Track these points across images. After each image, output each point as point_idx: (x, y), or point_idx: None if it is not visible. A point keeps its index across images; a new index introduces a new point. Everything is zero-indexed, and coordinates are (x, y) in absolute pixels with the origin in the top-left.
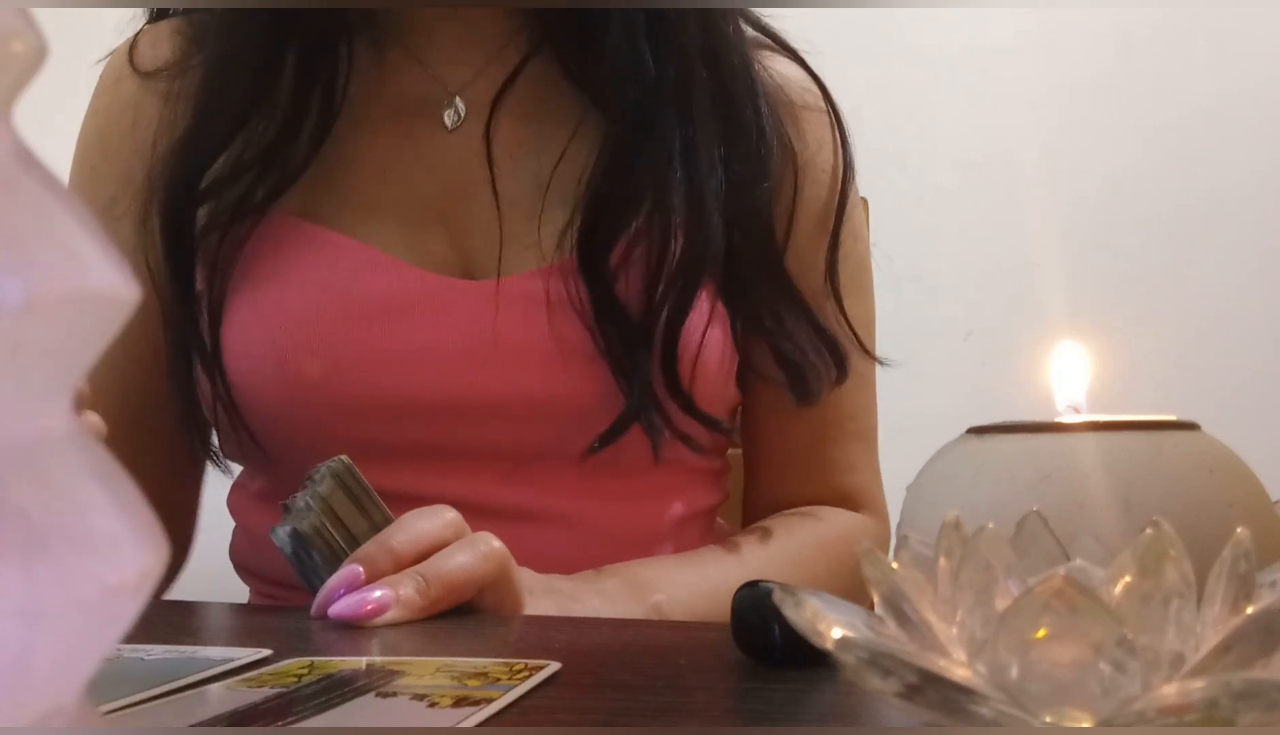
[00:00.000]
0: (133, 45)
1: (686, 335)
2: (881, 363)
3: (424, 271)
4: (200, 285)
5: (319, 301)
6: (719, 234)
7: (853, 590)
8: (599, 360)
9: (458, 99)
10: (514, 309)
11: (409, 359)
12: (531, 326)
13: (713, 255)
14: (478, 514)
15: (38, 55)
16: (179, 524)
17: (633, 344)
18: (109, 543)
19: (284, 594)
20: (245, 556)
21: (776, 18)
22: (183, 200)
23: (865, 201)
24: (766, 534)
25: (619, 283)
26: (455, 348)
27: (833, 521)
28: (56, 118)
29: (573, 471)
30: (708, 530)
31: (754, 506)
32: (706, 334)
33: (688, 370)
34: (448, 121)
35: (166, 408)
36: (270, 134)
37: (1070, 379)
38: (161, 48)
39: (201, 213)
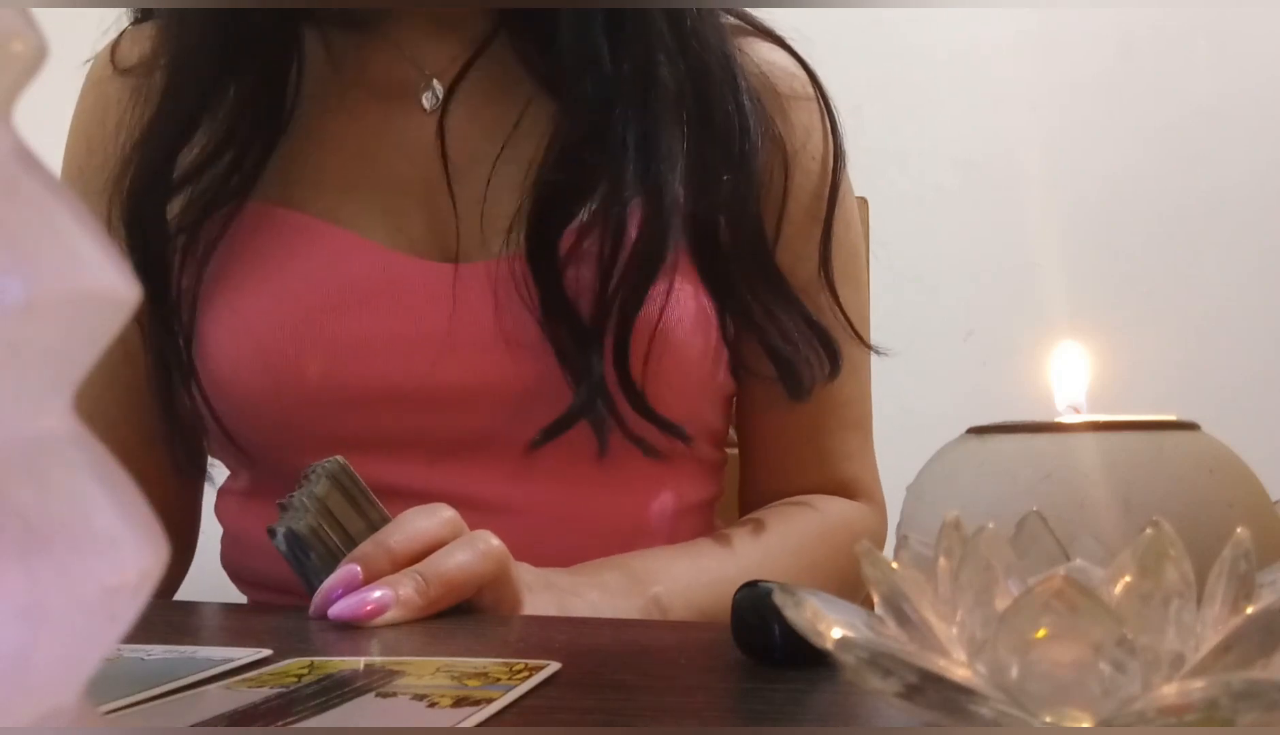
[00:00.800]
0: (115, 45)
1: (640, 330)
2: (877, 352)
3: (399, 254)
4: (174, 285)
5: (298, 290)
6: (676, 228)
7: (853, 580)
8: (551, 351)
9: (435, 82)
10: (472, 294)
11: (381, 345)
12: (487, 313)
13: (669, 249)
14: (463, 506)
15: (38, 55)
16: (176, 532)
17: (583, 341)
18: (109, 543)
19: (279, 598)
20: (235, 563)
21: (777, 17)
22: (148, 198)
23: (865, 201)
24: (765, 524)
25: (568, 274)
26: (418, 332)
27: (831, 510)
28: (56, 118)
29: (534, 459)
30: (704, 525)
31: (750, 498)
32: (674, 327)
33: (639, 367)
34: (426, 104)
35: (151, 415)
36: (230, 127)
37: (1070, 379)
38: (141, 47)
39: (172, 210)
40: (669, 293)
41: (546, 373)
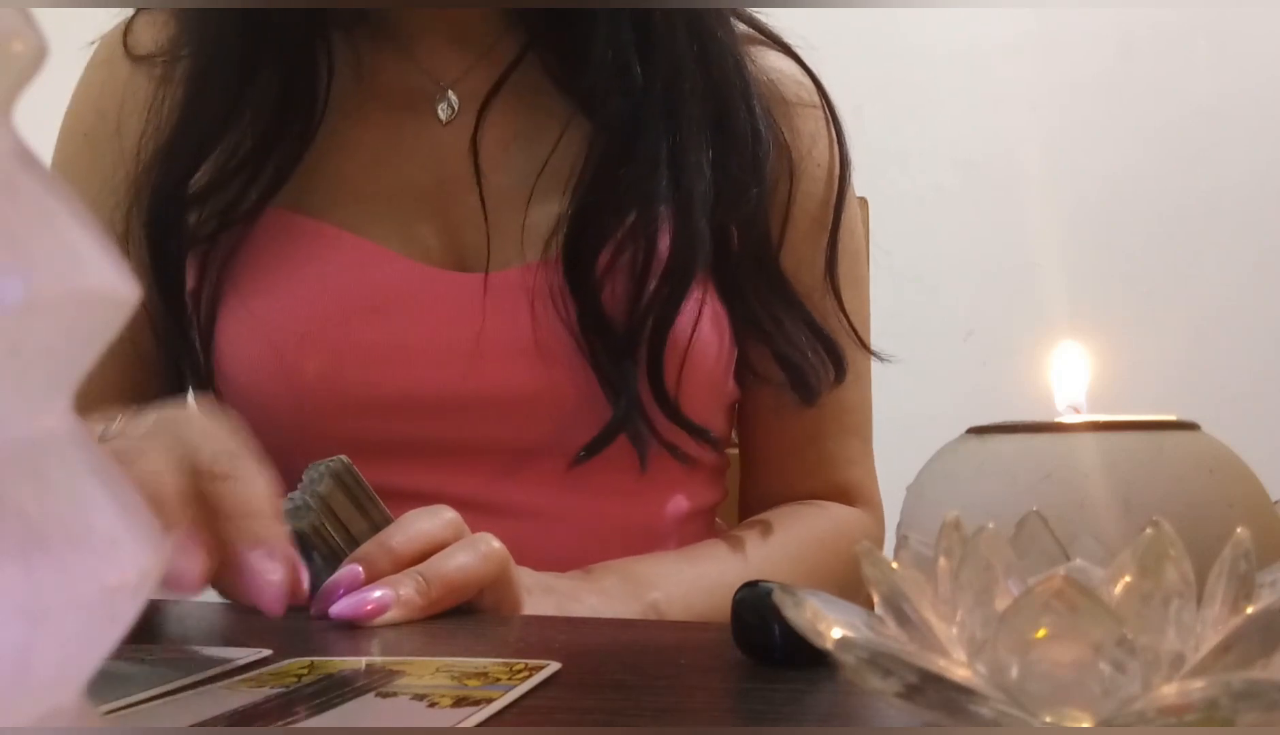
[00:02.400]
0: (127, 28)
1: (673, 342)
2: (879, 358)
3: (417, 264)
4: (190, 288)
5: (315, 298)
6: (706, 240)
7: (851, 586)
8: (585, 363)
9: (450, 92)
10: (502, 304)
11: (402, 353)
12: (518, 323)
13: (701, 261)
14: (472, 510)
15: (38, 55)
16: None
17: (618, 354)
18: (109, 543)
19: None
20: None
21: (778, 17)
22: (170, 205)
23: (865, 201)
24: (765, 529)
25: (605, 291)
26: (443, 341)
27: (830, 516)
28: (56, 118)
29: (566, 468)
30: (707, 527)
31: (751, 502)
32: (697, 336)
33: (673, 379)
34: (441, 115)
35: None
36: (254, 138)
37: (1070, 379)
38: (156, 33)
39: (191, 214)
40: (700, 304)
41: (580, 382)
